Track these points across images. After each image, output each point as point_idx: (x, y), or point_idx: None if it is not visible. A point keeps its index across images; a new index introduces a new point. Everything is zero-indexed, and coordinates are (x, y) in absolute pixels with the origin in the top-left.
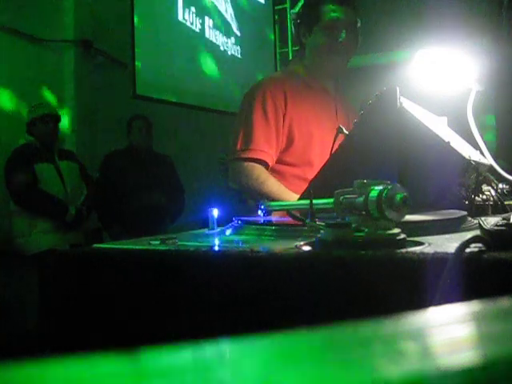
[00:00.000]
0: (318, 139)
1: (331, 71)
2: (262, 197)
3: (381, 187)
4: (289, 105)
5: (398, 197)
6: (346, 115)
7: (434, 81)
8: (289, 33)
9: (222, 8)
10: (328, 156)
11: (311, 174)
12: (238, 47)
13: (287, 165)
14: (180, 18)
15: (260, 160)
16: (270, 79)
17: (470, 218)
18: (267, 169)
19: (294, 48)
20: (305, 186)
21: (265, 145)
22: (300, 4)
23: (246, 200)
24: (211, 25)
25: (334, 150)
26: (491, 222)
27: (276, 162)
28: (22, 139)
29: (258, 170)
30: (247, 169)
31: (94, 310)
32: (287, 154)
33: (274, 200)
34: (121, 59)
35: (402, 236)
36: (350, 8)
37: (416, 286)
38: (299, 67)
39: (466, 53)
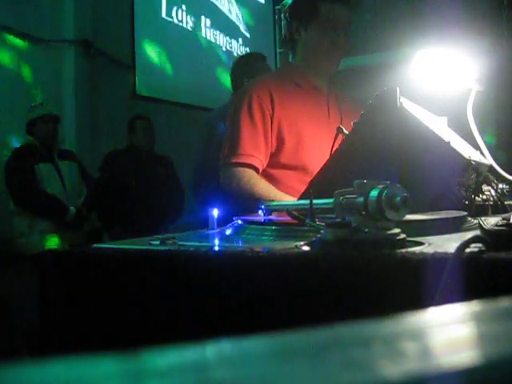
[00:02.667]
0: (310, 138)
1: (325, 70)
2: (254, 200)
3: (381, 187)
4: (276, 106)
5: (398, 197)
6: (339, 114)
7: (434, 81)
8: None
9: (223, 8)
10: (321, 155)
11: (305, 175)
12: (238, 47)
13: (280, 167)
14: (180, 18)
15: (249, 165)
16: (256, 82)
17: (469, 218)
18: (258, 173)
19: (280, 50)
20: (300, 187)
21: (252, 150)
22: None
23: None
24: (211, 25)
25: (333, 150)
26: (491, 221)
27: (269, 166)
28: (22, 139)
29: (249, 173)
30: (237, 173)
31: (94, 310)
32: (279, 156)
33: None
34: (121, 59)
35: (402, 236)
36: (348, 7)
37: (416, 285)
38: (289, 67)
39: (466, 53)
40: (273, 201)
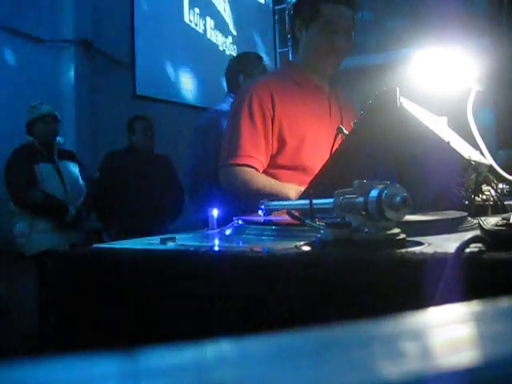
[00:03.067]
0: (311, 138)
1: (324, 71)
2: (257, 195)
3: (381, 187)
4: (277, 107)
5: (398, 197)
6: (340, 113)
7: (433, 81)
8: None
9: (221, 8)
10: (322, 155)
11: (305, 175)
12: (238, 47)
13: (281, 168)
14: (180, 18)
15: (248, 166)
16: (257, 83)
17: (469, 218)
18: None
19: (280, 50)
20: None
21: (252, 151)
22: None
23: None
24: (211, 25)
25: (333, 150)
26: (491, 221)
27: (269, 166)
28: (21, 139)
29: (248, 172)
30: (237, 172)
31: (94, 310)
32: (280, 157)
33: (270, 195)
34: (121, 59)
35: (402, 236)
36: (351, 10)
37: (416, 285)
38: (289, 66)
39: (466, 53)
40: (276, 195)
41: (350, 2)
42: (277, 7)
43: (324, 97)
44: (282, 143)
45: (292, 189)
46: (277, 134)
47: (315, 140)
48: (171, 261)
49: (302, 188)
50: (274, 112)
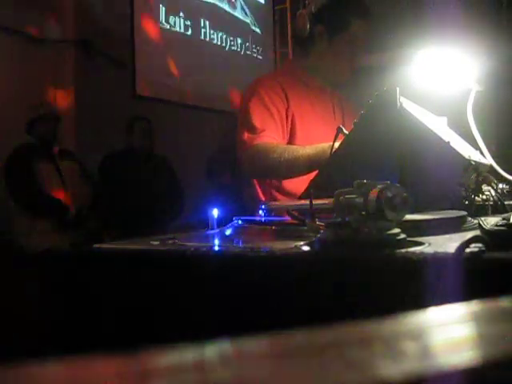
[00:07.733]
0: (317, 137)
1: (334, 79)
2: (279, 164)
3: (381, 187)
4: (290, 100)
5: (398, 197)
6: (342, 113)
7: (434, 81)
8: (289, 32)
9: (221, 8)
10: None
11: (309, 174)
12: (238, 47)
13: None
14: (180, 17)
15: (263, 142)
16: (268, 76)
17: (470, 218)
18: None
19: (280, 50)
20: (304, 185)
21: (264, 127)
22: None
23: (244, 199)
24: (211, 24)
25: (333, 149)
26: (491, 221)
27: None
28: (21, 139)
29: (264, 146)
30: (253, 152)
31: (94, 310)
32: None
33: (291, 160)
34: (121, 59)
35: (402, 236)
36: (370, 25)
37: (416, 285)
38: (294, 67)
39: (466, 53)
40: (296, 159)
41: (371, 17)
42: (277, 7)
43: (327, 97)
44: (292, 137)
45: (308, 148)
46: (289, 126)
47: (321, 139)
48: (171, 261)
49: (325, 145)
50: (288, 104)
